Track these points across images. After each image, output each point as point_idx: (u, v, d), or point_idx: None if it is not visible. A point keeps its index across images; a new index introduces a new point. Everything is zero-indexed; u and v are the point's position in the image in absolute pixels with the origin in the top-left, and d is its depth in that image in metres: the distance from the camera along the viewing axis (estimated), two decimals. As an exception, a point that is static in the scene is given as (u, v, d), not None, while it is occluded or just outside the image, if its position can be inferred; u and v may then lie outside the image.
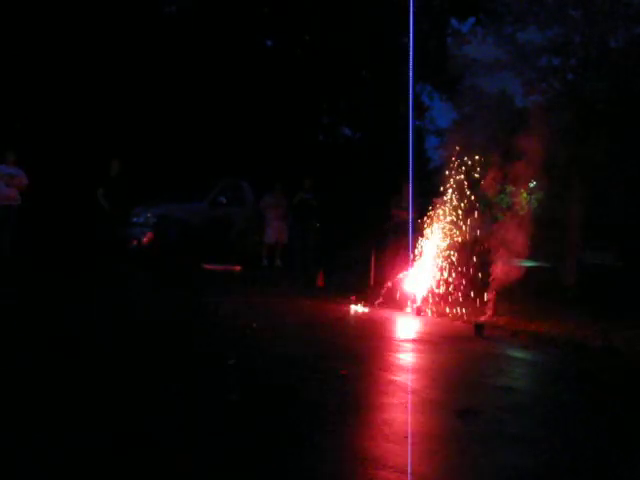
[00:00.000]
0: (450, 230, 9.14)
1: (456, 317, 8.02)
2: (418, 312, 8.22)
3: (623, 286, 13.31)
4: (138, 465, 2.57)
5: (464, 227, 9.18)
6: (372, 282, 10.86)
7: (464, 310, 8.19)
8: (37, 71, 15.37)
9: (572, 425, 3.68)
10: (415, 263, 9.21)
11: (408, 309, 8.44)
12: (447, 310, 8.38)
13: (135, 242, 12.75)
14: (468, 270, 8.78)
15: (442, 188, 9.27)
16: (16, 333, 5.01)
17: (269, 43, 23.76)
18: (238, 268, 12.65)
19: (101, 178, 12.80)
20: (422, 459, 2.87)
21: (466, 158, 9.07)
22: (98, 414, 3.15)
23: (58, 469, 2.46)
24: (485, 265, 8.43)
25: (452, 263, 8.91)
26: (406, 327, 7.25)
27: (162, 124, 17.42)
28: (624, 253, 35.58)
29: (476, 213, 9.11)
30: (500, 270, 8.25)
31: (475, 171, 9.12)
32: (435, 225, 9.18)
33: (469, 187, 9.16)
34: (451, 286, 8.74)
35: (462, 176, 9.15)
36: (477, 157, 9.27)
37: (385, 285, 10.10)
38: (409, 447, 3.00)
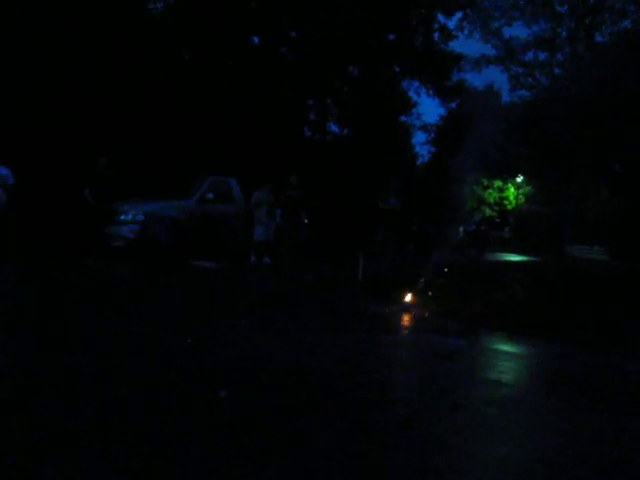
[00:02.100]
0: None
1: (443, 311, 8.03)
2: (406, 307, 8.22)
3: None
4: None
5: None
6: (360, 277, 10.88)
7: (451, 305, 8.22)
8: (22, 69, 15.26)
9: (560, 418, 3.69)
10: (404, 257, 9.25)
11: (397, 303, 8.44)
12: (436, 305, 8.40)
13: (123, 240, 12.68)
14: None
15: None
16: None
17: (256, 40, 23.71)
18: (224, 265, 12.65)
19: (87, 175, 12.79)
20: (413, 454, 2.87)
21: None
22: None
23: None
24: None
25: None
26: (394, 322, 7.25)
27: (149, 121, 17.34)
28: (610, 247, 35.89)
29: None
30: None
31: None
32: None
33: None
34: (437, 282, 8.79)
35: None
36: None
37: (374, 280, 10.12)
38: (400, 442, 3.01)
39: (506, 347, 6.01)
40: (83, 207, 12.67)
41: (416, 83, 28.88)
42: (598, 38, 31.98)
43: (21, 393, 3.41)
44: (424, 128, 49.69)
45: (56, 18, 15.83)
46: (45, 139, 15.05)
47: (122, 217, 12.79)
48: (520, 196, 55.12)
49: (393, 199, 12.65)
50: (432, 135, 55.44)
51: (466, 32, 28.17)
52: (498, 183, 56.44)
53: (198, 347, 4.83)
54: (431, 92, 28.99)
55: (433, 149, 58.20)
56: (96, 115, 16.02)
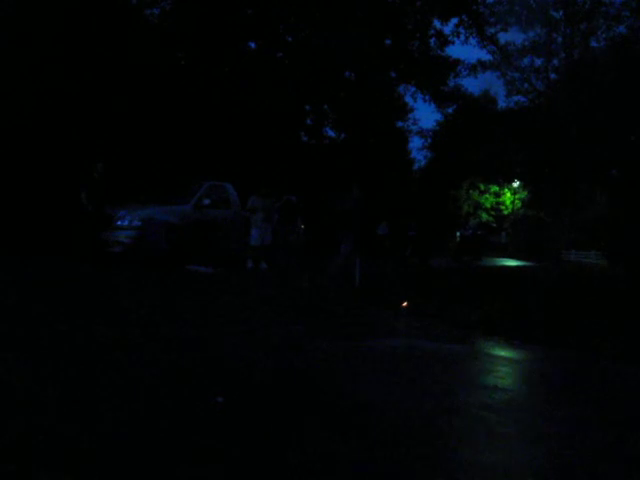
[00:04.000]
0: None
1: (440, 316, 8.02)
2: (403, 311, 8.21)
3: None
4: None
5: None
6: (357, 281, 10.88)
7: (448, 310, 8.22)
8: (21, 73, 15.27)
9: (559, 424, 3.68)
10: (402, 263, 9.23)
11: (394, 308, 8.43)
12: (432, 310, 8.39)
13: (119, 245, 12.68)
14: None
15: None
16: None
17: (252, 45, 23.77)
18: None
19: (85, 180, 12.80)
20: (409, 458, 2.86)
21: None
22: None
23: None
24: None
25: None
26: (390, 327, 7.24)
27: (146, 126, 17.35)
28: (608, 252, 35.95)
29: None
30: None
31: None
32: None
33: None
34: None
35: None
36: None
37: (370, 284, 10.11)
38: (396, 446, 2.99)
39: (503, 352, 6.00)
40: (80, 212, 12.68)
41: (412, 88, 29.01)
42: (593, 43, 32.14)
43: (20, 397, 3.39)
44: (420, 133, 49.96)
45: (54, 23, 15.86)
46: (42, 144, 15.06)
47: (119, 222, 12.79)
48: (516, 201, 55.35)
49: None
50: (429, 140, 55.66)
51: (462, 38, 28.25)
52: (494, 188, 56.67)
53: (194, 350, 4.82)
54: (427, 97, 29.10)
55: (429, 154, 58.43)
56: (93, 120, 16.03)
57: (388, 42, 26.03)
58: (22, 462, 2.53)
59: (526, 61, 33.50)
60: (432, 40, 27.03)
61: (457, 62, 28.40)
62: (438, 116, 62.14)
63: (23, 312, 6.19)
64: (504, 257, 41.45)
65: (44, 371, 3.97)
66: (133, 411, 3.28)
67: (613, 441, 3.41)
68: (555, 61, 32.72)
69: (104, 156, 13.45)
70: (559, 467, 2.94)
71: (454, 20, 26.99)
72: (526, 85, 34.76)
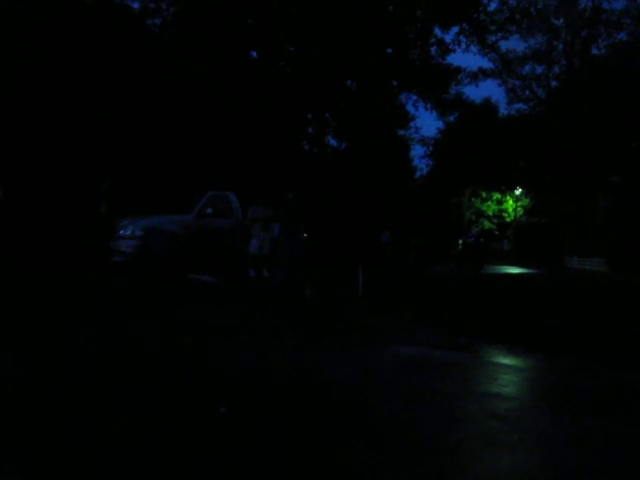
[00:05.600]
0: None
1: (443, 325, 8.02)
2: (406, 320, 8.20)
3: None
4: None
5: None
6: (360, 291, 10.87)
7: (450, 318, 8.21)
8: (35, 94, 15.37)
9: (562, 432, 3.67)
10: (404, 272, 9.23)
11: (397, 317, 8.42)
12: (435, 318, 8.39)
13: (122, 255, 12.69)
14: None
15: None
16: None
17: (254, 54, 23.84)
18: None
19: (101, 192, 12.89)
20: (415, 467, 2.85)
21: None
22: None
23: None
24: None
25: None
26: (393, 336, 7.23)
27: (149, 137, 17.39)
28: (610, 259, 35.88)
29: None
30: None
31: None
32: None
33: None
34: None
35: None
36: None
37: (373, 293, 10.11)
38: (401, 456, 2.99)
39: (506, 360, 5.98)
40: (96, 222, 12.74)
41: (414, 97, 29.02)
42: (594, 51, 32.20)
43: (19, 407, 3.39)
44: (422, 141, 50.01)
45: (58, 40, 15.95)
46: (53, 157, 15.18)
47: (121, 232, 12.81)
48: (519, 208, 55.31)
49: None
50: (430, 148, 55.74)
51: (463, 46, 28.28)
52: (497, 196, 56.65)
53: (197, 360, 4.81)
54: (429, 105, 29.12)
55: (431, 162, 58.48)
56: (98, 131, 16.10)
57: (389, 51, 26.09)
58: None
59: (527, 68, 33.62)
60: (433, 48, 27.08)
61: (458, 70, 28.46)
62: (440, 124, 62.27)
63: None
64: (507, 264, 41.38)
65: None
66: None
67: (617, 448, 3.40)
68: (556, 68, 32.79)
69: (110, 168, 13.54)
70: (563, 475, 2.93)
71: (455, 28, 27.05)
72: (527, 92, 34.83)
